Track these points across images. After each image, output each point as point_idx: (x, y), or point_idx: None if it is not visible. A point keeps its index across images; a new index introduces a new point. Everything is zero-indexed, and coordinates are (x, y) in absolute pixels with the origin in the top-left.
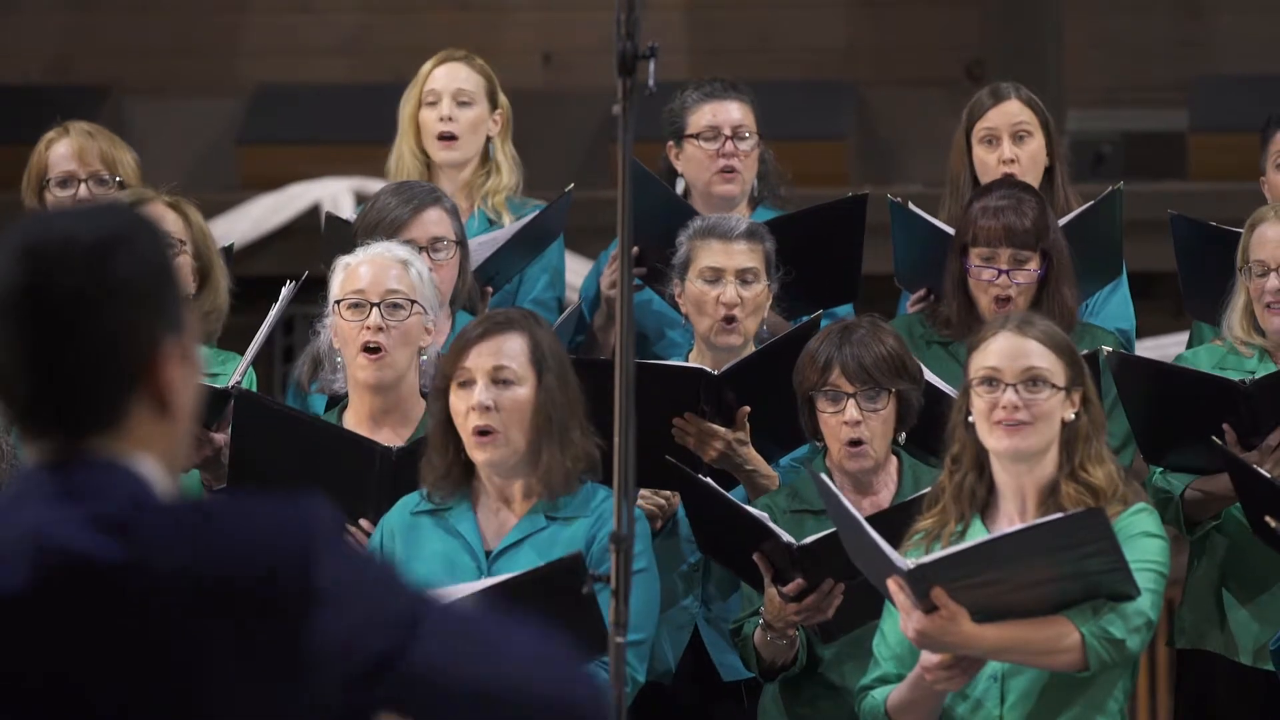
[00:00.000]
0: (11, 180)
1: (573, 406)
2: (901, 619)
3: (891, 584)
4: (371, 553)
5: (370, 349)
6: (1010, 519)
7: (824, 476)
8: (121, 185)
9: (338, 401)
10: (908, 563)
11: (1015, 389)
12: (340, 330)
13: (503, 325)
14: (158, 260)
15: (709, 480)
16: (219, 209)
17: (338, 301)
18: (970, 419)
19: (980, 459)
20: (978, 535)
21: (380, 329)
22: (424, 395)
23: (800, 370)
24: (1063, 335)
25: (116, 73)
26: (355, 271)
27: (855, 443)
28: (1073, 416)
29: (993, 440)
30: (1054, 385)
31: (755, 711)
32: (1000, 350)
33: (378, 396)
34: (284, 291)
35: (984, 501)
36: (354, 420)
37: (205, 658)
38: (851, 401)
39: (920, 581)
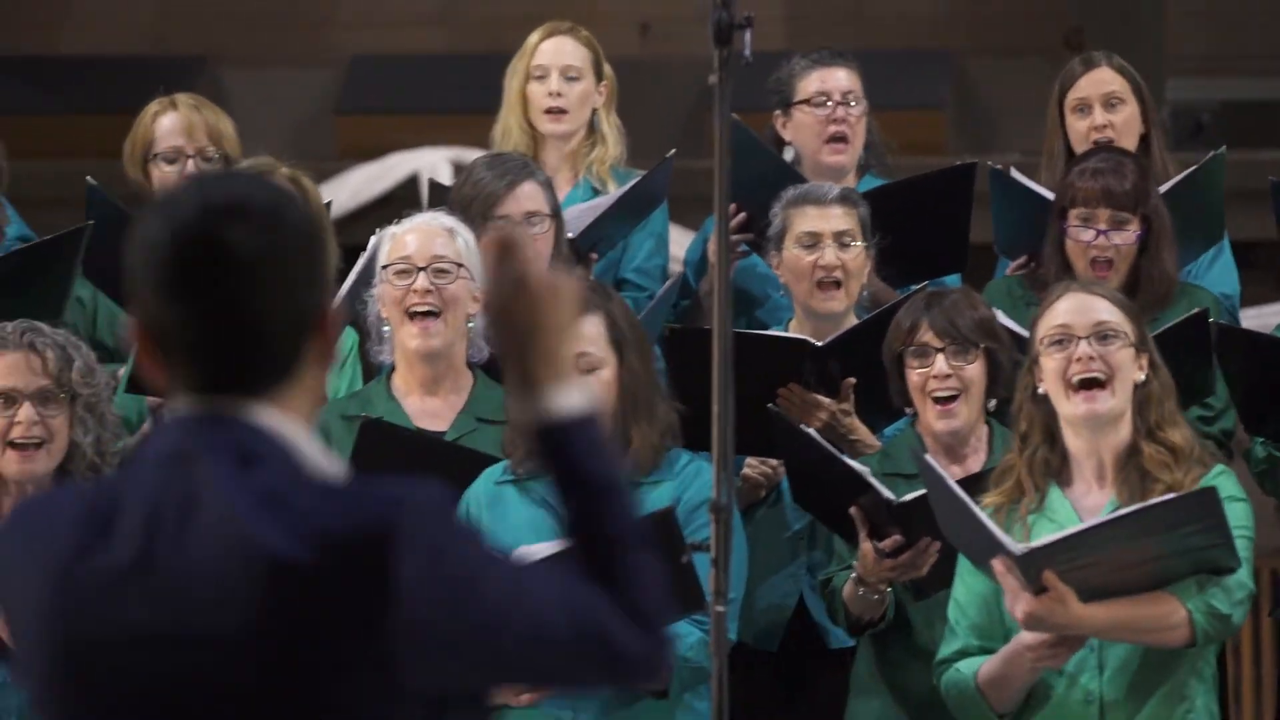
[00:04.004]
0: (110, 149)
1: (653, 378)
2: (1008, 599)
3: (998, 565)
4: (468, 539)
5: (418, 313)
6: (1089, 485)
7: (928, 457)
8: (226, 159)
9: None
10: (1018, 545)
11: (1088, 341)
12: (387, 297)
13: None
14: (319, 217)
15: (811, 430)
16: (316, 179)
17: (384, 268)
18: (1040, 390)
19: (1051, 429)
20: (1057, 505)
21: (428, 291)
22: (470, 366)
23: (888, 336)
24: (1125, 299)
25: (213, 43)
26: (402, 239)
27: (944, 400)
28: (1143, 378)
29: (1070, 407)
30: (1125, 337)
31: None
32: (1069, 307)
33: (428, 366)
34: (372, 241)
35: (1058, 470)
36: (404, 390)
37: (310, 641)
38: (940, 356)
39: (1031, 564)
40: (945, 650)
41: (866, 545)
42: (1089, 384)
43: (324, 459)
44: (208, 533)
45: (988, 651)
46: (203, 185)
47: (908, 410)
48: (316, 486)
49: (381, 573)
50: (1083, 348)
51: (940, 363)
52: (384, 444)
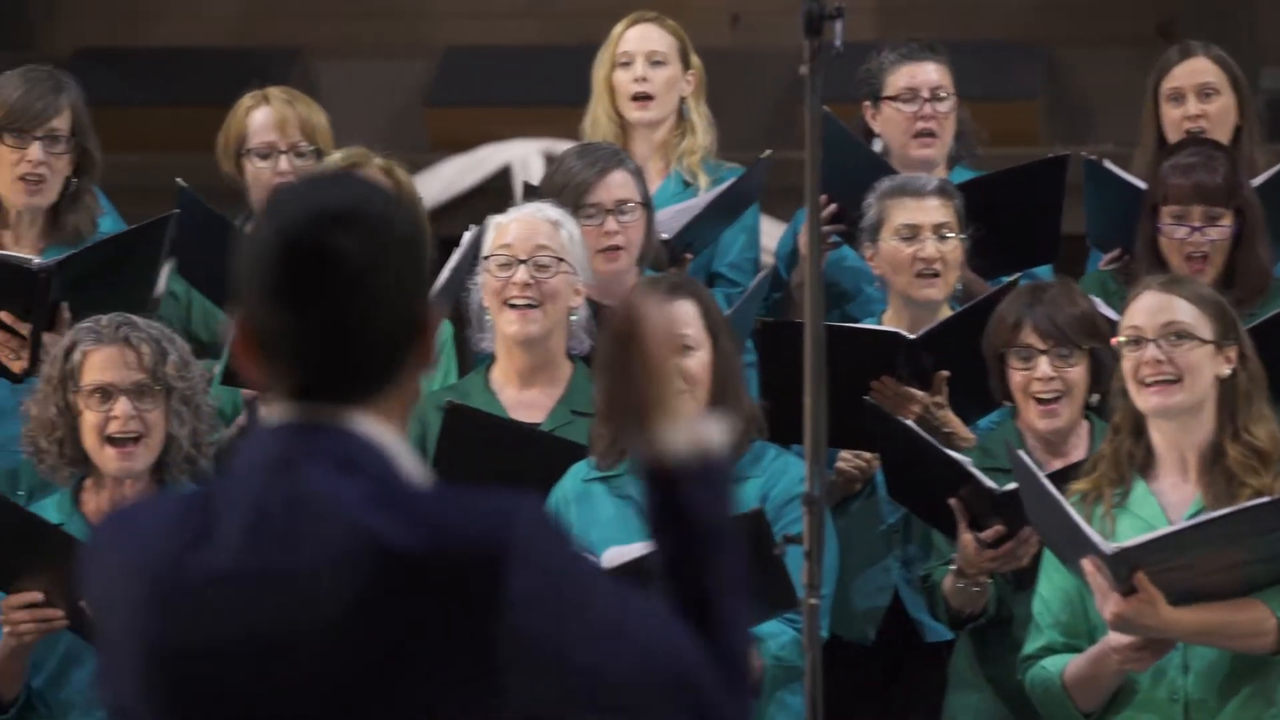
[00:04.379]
0: (203, 142)
1: (740, 369)
2: (1097, 600)
3: (1088, 564)
4: (580, 560)
5: (516, 304)
6: (1173, 481)
7: (1020, 453)
8: (319, 154)
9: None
10: (1110, 545)
11: (1157, 344)
12: (488, 287)
13: (673, 291)
14: (422, 220)
15: (910, 423)
16: (409, 171)
17: (486, 258)
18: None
19: (1138, 422)
20: (1142, 500)
21: (527, 285)
22: (570, 357)
23: (990, 330)
24: (1213, 293)
25: (306, 35)
26: (505, 229)
27: (1047, 401)
28: (1228, 373)
29: (1141, 400)
30: (1198, 338)
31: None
32: (1144, 307)
33: (525, 354)
34: (466, 236)
35: (1143, 464)
36: (502, 379)
37: (401, 646)
38: (1044, 359)
39: (1121, 564)
40: (1030, 647)
41: (967, 536)
42: (1159, 381)
43: (418, 468)
44: (316, 534)
45: (1072, 648)
46: (314, 190)
47: (1006, 404)
48: (424, 492)
49: (493, 583)
50: (1150, 350)
51: (1043, 365)
52: (468, 430)
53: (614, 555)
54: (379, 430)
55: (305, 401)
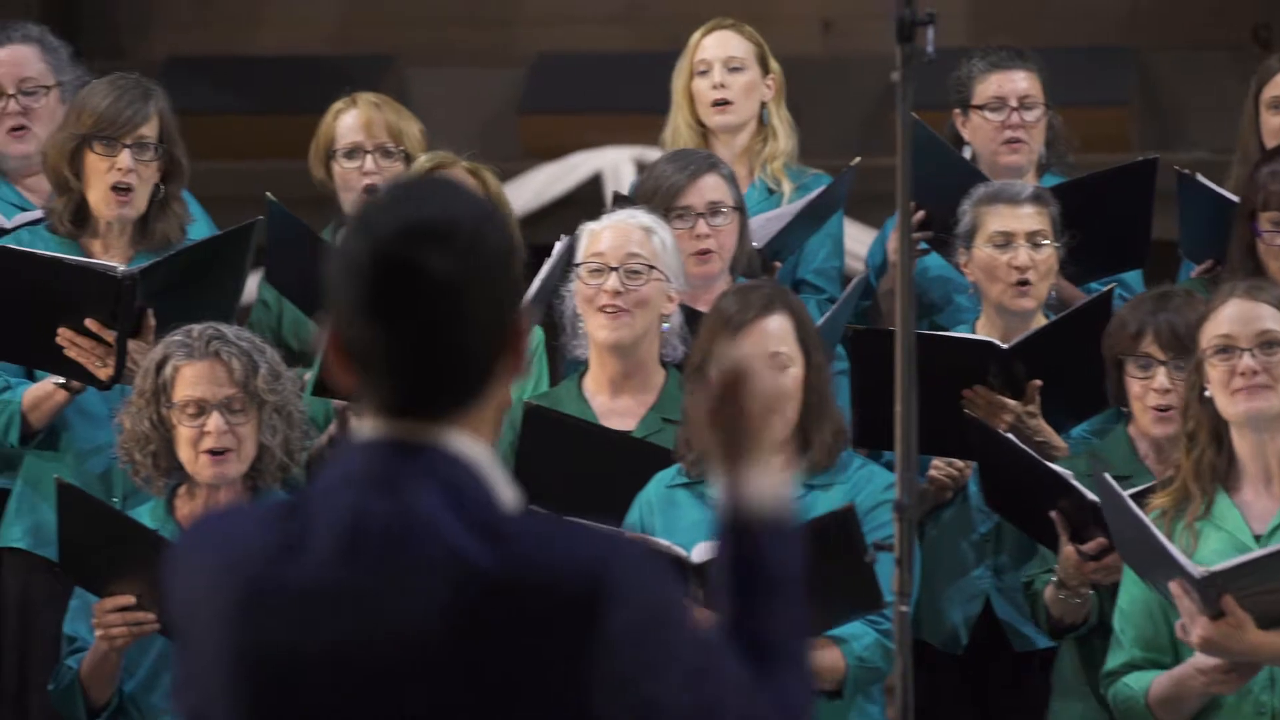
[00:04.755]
0: (296, 150)
1: (829, 381)
2: (1184, 623)
3: (1175, 588)
4: (676, 604)
5: (608, 312)
6: (1255, 490)
7: (1106, 476)
8: (407, 157)
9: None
10: (1198, 569)
11: (1252, 353)
12: (581, 294)
13: (767, 306)
14: (511, 233)
15: (1009, 435)
16: (501, 178)
17: (579, 265)
18: (1206, 393)
19: (1218, 431)
20: (1225, 512)
21: (619, 292)
22: (664, 364)
23: (1111, 335)
24: None
25: (399, 43)
26: (598, 236)
27: (1164, 409)
28: None
29: (1232, 407)
30: None
31: (1048, 682)
32: (1233, 316)
33: (618, 361)
34: (558, 246)
35: (1224, 474)
36: (594, 387)
37: (493, 670)
38: (1162, 369)
39: (1210, 588)
40: (1112, 662)
41: (1069, 548)
42: (1252, 387)
43: (508, 483)
44: (410, 555)
45: (1154, 664)
46: (405, 203)
47: (1124, 410)
48: (522, 520)
49: (591, 620)
50: (1246, 360)
51: (1162, 377)
52: (548, 432)
53: (705, 549)
54: (472, 447)
55: (398, 416)
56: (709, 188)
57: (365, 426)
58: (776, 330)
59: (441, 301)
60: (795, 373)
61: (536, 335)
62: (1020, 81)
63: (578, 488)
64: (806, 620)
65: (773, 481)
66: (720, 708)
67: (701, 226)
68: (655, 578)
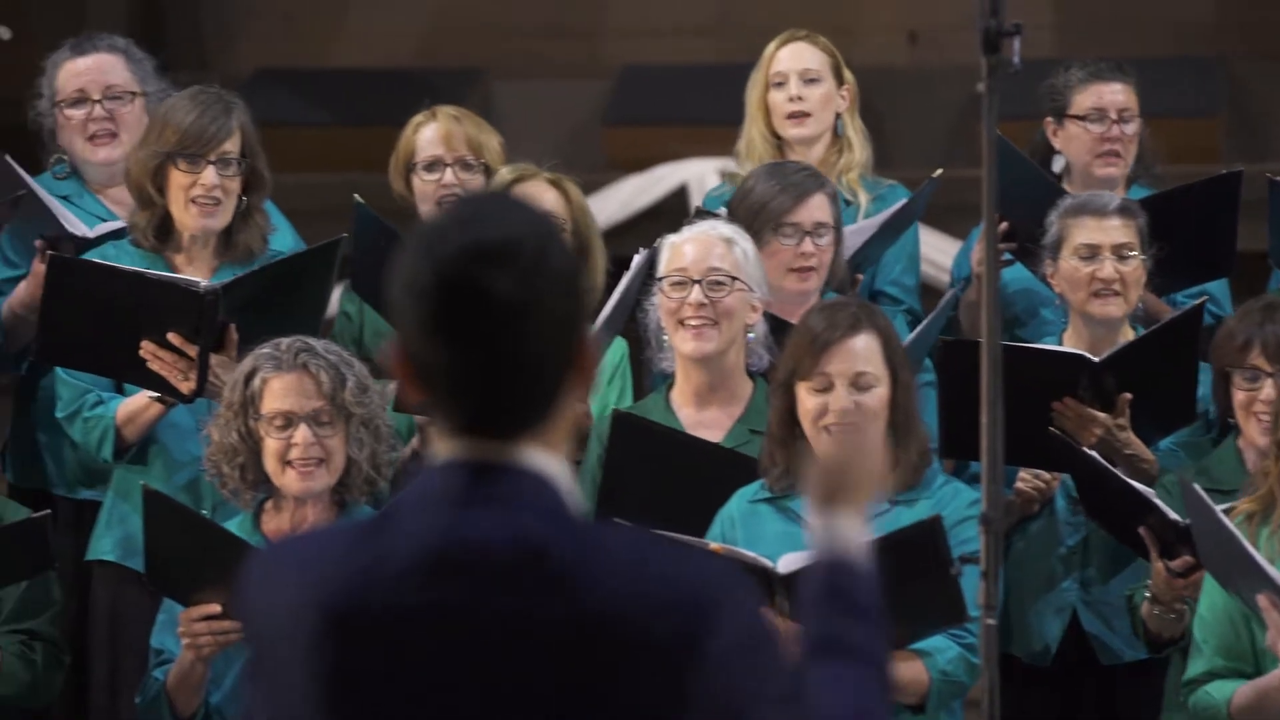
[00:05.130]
0: (380, 162)
1: (915, 399)
2: (1270, 635)
3: (1263, 600)
4: (771, 631)
5: (691, 324)
6: None
7: (1195, 486)
8: (487, 170)
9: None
10: None
11: None
12: (664, 307)
13: (855, 325)
14: (577, 250)
15: (1094, 454)
16: (586, 190)
17: (661, 279)
18: None
19: None
20: None
21: (702, 304)
22: (750, 374)
23: (1218, 347)
24: None
25: (484, 55)
26: (680, 249)
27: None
28: None
29: None
30: None
31: (1136, 695)
32: None
33: (703, 373)
34: (635, 260)
35: None
36: (680, 399)
37: (589, 693)
38: (1270, 381)
39: None
40: (1193, 670)
41: (1159, 565)
42: None
43: (580, 499)
44: (502, 578)
45: (1236, 672)
46: (468, 222)
47: (1230, 420)
48: (613, 538)
49: (691, 646)
50: None
51: (1269, 388)
52: (635, 440)
53: (791, 560)
54: (549, 463)
55: (470, 437)
56: (815, 207)
57: (441, 447)
58: (863, 350)
59: (505, 322)
60: (880, 393)
61: (621, 348)
62: (1119, 94)
63: (665, 497)
64: (888, 647)
65: (859, 523)
66: None
67: (807, 245)
68: (750, 601)
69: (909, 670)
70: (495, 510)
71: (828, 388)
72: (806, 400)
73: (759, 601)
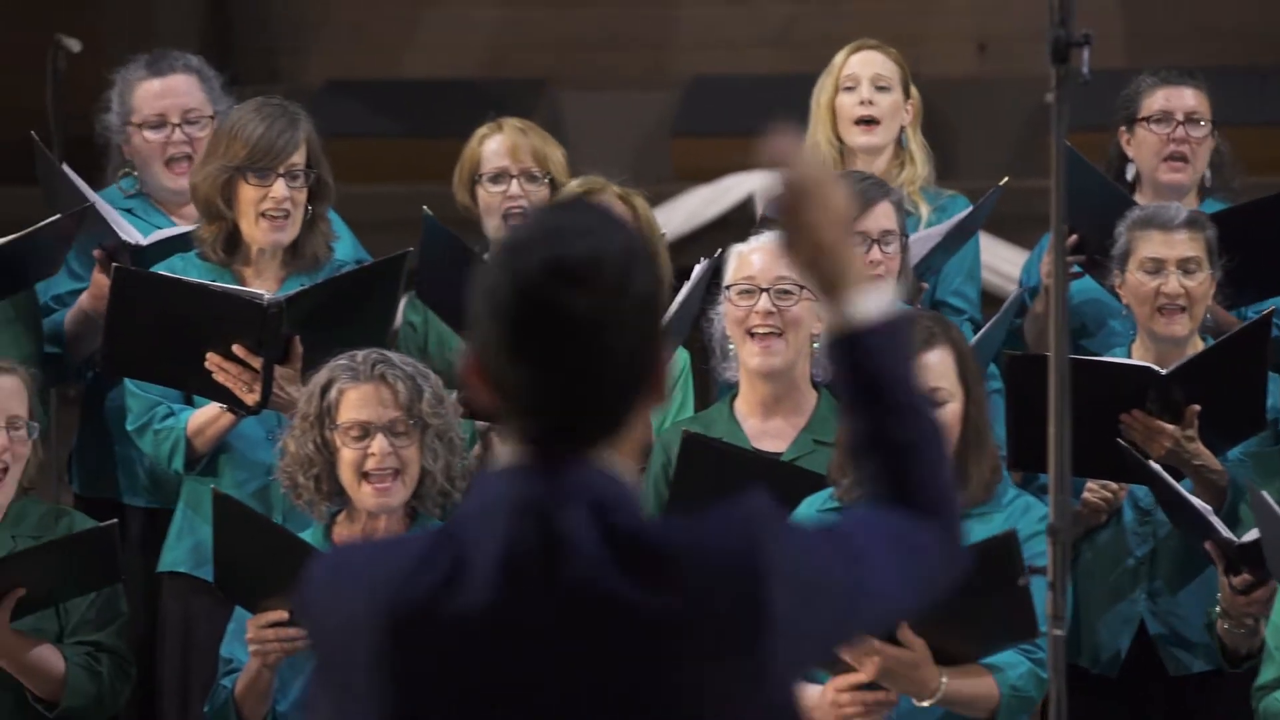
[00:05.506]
0: (449, 173)
1: (986, 413)
2: None
3: None
4: (813, 543)
5: (759, 333)
6: None
7: (1264, 493)
8: (552, 182)
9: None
10: None
11: None
12: (731, 316)
13: (929, 339)
14: (657, 267)
15: (1159, 468)
16: (653, 201)
17: (728, 287)
18: None
19: None
20: None
21: (770, 313)
22: (815, 385)
23: None
24: None
25: (552, 66)
26: (747, 259)
27: None
28: None
29: None
30: None
31: (1205, 705)
32: None
33: (768, 384)
34: (696, 269)
35: None
36: (745, 409)
37: (669, 687)
38: None
39: None
40: (1264, 676)
41: (1223, 580)
42: None
43: (646, 505)
44: (573, 585)
45: None
46: (552, 237)
47: None
48: (669, 532)
49: (755, 607)
50: None
51: None
52: (705, 459)
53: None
54: (616, 471)
55: (540, 444)
56: (882, 215)
57: (508, 453)
58: (937, 365)
59: (583, 341)
60: (954, 408)
61: (683, 358)
62: (1188, 97)
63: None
64: (933, 419)
65: (875, 297)
66: (891, 605)
67: (874, 253)
68: (793, 535)
69: (980, 685)
70: (564, 517)
71: None
72: None
73: (795, 526)
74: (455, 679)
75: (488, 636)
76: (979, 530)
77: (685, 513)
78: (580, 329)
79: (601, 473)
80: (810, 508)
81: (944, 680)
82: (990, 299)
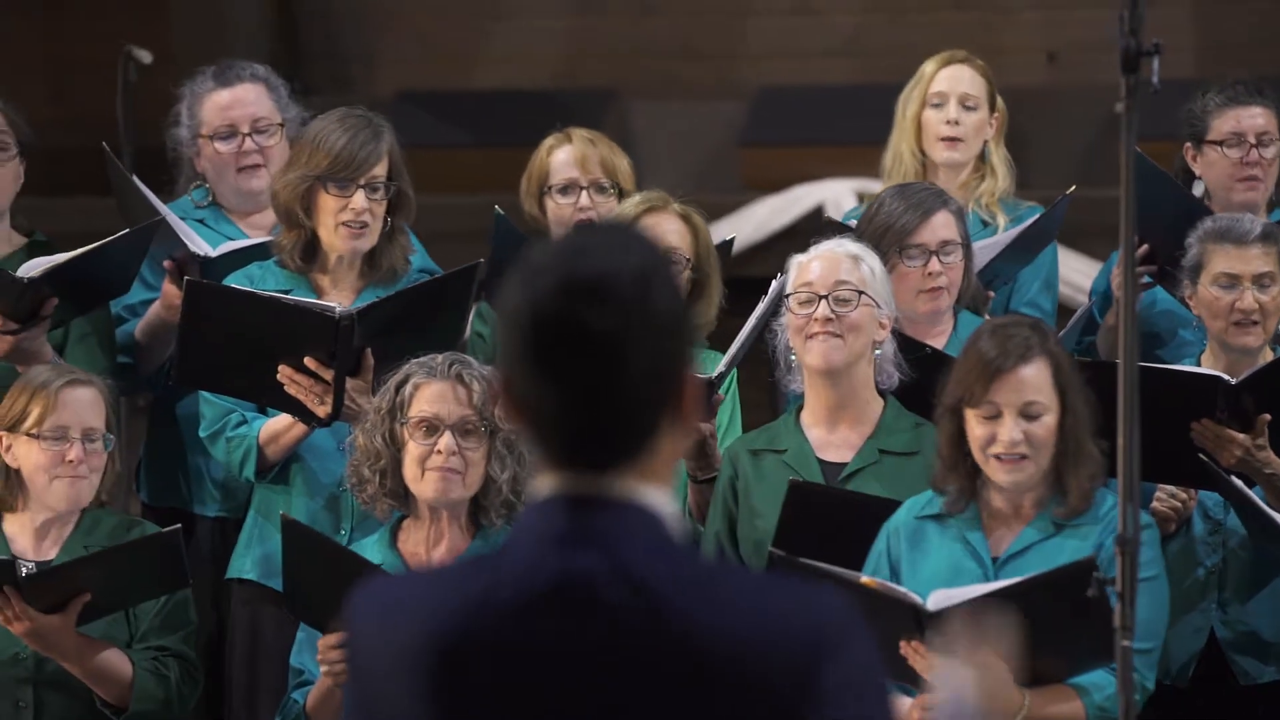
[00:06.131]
0: (518, 183)
1: (1087, 422)
2: None
3: None
4: (877, 661)
5: (818, 335)
6: None
7: None
8: (620, 192)
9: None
10: None
11: None
12: (792, 325)
13: (1027, 352)
14: (679, 287)
15: (1234, 478)
16: (721, 211)
17: (788, 296)
18: None
19: None
20: None
21: (829, 319)
22: (880, 393)
23: None
24: None
25: (621, 76)
26: (806, 267)
27: None
28: None
29: None
30: None
31: (1274, 715)
32: None
33: (831, 390)
34: (773, 285)
35: None
36: (810, 419)
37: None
38: None
39: None
40: None
41: None
42: None
43: (683, 532)
44: (617, 614)
45: None
46: (568, 256)
47: None
48: (724, 572)
49: (808, 678)
50: None
51: None
52: (811, 504)
53: (941, 598)
54: (653, 496)
55: (569, 470)
56: (940, 225)
57: (542, 482)
58: (1033, 378)
59: (601, 357)
60: (1048, 421)
61: (730, 372)
62: (1258, 118)
63: (837, 552)
64: None
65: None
66: None
67: (934, 264)
68: (860, 629)
69: (1067, 707)
70: (596, 546)
71: (996, 416)
72: (975, 427)
73: (872, 641)
74: (494, 708)
75: (521, 666)
76: (1073, 546)
77: (790, 556)
78: (598, 345)
79: (634, 498)
80: (909, 511)
81: (1027, 701)
82: (1062, 311)
